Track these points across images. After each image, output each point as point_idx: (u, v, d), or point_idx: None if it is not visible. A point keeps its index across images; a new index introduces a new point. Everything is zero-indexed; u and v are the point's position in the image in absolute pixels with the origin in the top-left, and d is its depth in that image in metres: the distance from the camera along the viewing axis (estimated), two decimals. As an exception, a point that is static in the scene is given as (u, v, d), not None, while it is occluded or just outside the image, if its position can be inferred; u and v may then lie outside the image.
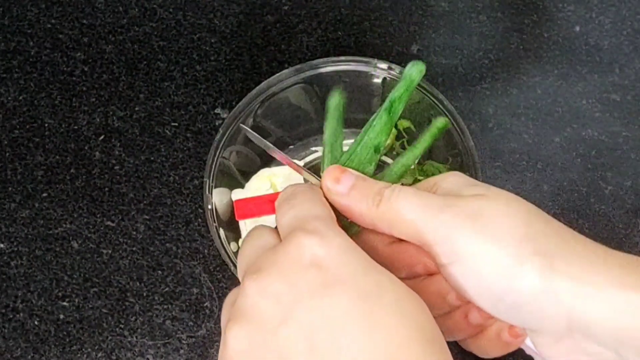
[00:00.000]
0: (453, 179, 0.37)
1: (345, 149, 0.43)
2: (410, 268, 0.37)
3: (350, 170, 0.39)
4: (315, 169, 0.51)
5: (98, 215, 0.57)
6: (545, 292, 0.32)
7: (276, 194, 0.50)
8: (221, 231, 0.50)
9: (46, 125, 0.60)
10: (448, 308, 0.37)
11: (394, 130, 0.56)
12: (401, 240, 0.37)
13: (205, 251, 0.56)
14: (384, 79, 0.53)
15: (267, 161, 0.54)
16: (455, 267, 0.34)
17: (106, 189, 0.58)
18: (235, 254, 0.50)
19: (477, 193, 0.35)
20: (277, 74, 0.52)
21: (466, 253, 0.34)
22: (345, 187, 0.37)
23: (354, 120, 0.57)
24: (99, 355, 0.53)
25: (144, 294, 0.55)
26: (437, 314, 0.36)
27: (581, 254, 0.33)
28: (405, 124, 0.54)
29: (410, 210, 0.35)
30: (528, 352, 0.38)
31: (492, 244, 0.33)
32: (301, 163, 0.56)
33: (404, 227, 0.35)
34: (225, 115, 0.60)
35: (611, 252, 0.34)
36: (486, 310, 0.35)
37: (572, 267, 0.32)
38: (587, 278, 0.32)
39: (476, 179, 0.44)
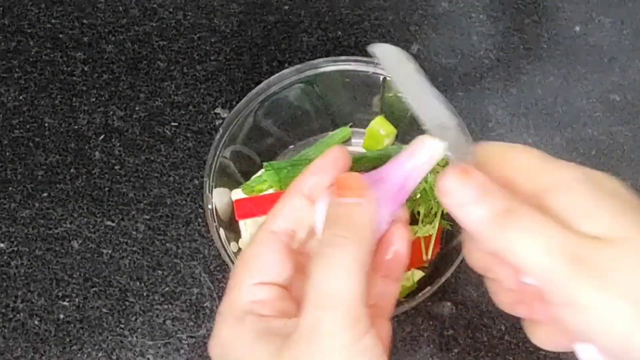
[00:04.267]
0: (571, 191, 0.33)
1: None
2: (513, 281, 0.34)
3: (475, 172, 0.33)
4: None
5: (98, 215, 0.57)
6: None
7: (277, 194, 0.51)
8: (221, 231, 0.50)
9: (46, 125, 0.60)
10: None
11: (393, 130, 0.56)
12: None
13: (205, 251, 0.56)
14: (384, 78, 0.53)
15: (267, 160, 0.54)
16: (568, 310, 0.32)
17: (106, 188, 0.58)
18: (236, 254, 0.50)
19: (599, 234, 0.31)
20: (278, 74, 0.52)
21: (584, 305, 0.31)
22: (469, 196, 0.32)
23: (354, 120, 0.57)
24: (99, 355, 0.53)
25: (144, 294, 0.55)
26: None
27: None
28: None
29: (531, 251, 0.31)
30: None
31: (613, 303, 0.30)
32: None
33: (518, 262, 0.32)
34: (225, 115, 0.60)
35: None
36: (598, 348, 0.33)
37: None
38: None
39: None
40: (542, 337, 0.36)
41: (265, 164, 0.53)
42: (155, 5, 0.63)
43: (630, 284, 0.31)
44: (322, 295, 0.31)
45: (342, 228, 0.32)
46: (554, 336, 0.35)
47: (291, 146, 0.58)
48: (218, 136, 0.51)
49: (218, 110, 0.60)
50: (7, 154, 0.59)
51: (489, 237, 0.32)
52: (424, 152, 0.35)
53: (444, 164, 0.36)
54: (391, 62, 0.39)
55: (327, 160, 0.36)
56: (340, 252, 0.31)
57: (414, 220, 0.51)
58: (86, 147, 0.59)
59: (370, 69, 0.52)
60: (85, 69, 0.61)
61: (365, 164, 0.55)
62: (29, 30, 0.63)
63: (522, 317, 0.37)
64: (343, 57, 0.52)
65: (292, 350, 0.31)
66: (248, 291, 0.34)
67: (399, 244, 0.36)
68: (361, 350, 0.30)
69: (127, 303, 0.55)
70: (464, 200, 0.32)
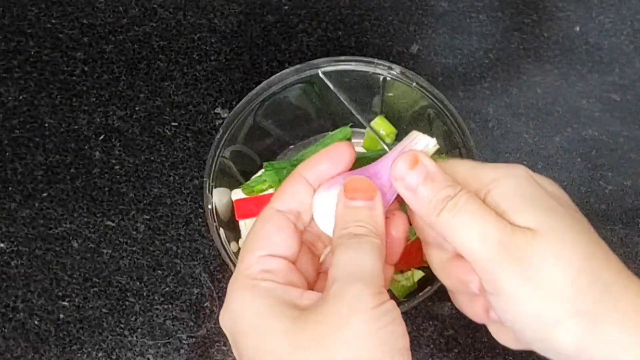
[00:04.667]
0: (509, 186, 0.35)
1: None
2: (465, 285, 0.36)
3: (425, 159, 0.36)
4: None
5: (98, 215, 0.57)
6: (579, 354, 0.32)
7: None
8: (221, 231, 0.50)
9: (46, 125, 0.60)
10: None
11: (393, 130, 0.56)
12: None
13: (206, 251, 0.56)
14: (384, 78, 0.53)
15: (267, 160, 0.54)
16: (497, 300, 0.34)
17: (106, 188, 0.58)
18: (236, 254, 0.50)
19: (531, 226, 0.33)
20: (278, 74, 0.52)
21: (510, 295, 0.33)
22: (417, 180, 0.36)
23: (353, 120, 0.57)
24: (99, 355, 0.53)
25: (144, 294, 0.55)
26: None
27: (626, 312, 0.32)
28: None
29: (466, 236, 0.34)
30: None
31: (536, 294, 0.32)
32: None
33: (456, 244, 0.34)
34: (225, 115, 0.60)
35: None
36: (519, 339, 0.35)
37: (612, 329, 0.32)
38: (626, 342, 0.32)
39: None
40: (504, 337, 0.38)
41: (265, 164, 0.53)
42: (155, 5, 0.63)
43: (549, 277, 0.32)
44: (348, 272, 0.34)
45: (359, 226, 0.35)
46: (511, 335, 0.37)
47: (291, 146, 0.58)
48: (218, 136, 0.51)
49: (218, 110, 0.60)
50: (7, 154, 0.59)
51: (433, 220, 0.35)
52: (416, 146, 0.38)
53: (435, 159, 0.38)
54: None
55: (334, 153, 0.38)
56: (362, 241, 0.35)
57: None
58: (86, 147, 0.59)
59: (370, 69, 0.52)
60: (85, 69, 0.61)
61: (365, 164, 0.55)
62: (29, 30, 0.63)
63: (482, 321, 0.38)
64: (343, 57, 0.52)
65: (316, 315, 0.33)
66: (258, 261, 0.36)
67: (397, 230, 0.38)
68: (383, 311, 0.33)
69: (127, 303, 0.55)
70: (412, 184, 0.35)
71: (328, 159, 0.38)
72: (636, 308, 0.32)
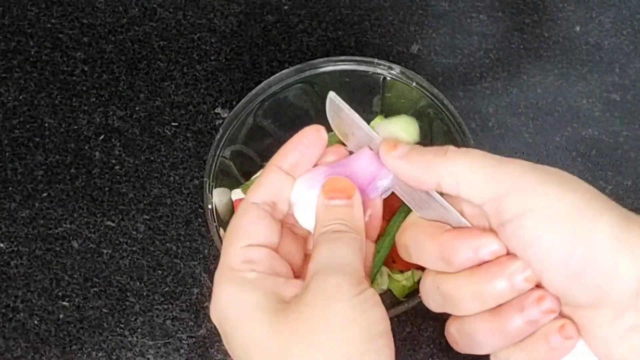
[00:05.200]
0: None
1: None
2: (477, 251, 0.35)
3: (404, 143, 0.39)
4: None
5: (98, 215, 0.57)
6: (619, 248, 0.31)
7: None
8: (221, 231, 0.50)
9: (46, 125, 0.60)
10: (513, 294, 0.35)
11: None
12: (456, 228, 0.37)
13: (205, 251, 0.56)
14: (384, 78, 0.53)
15: (267, 160, 0.54)
16: (518, 223, 0.33)
17: (106, 188, 0.58)
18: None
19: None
20: (278, 74, 0.52)
21: (532, 204, 0.32)
22: (402, 150, 0.37)
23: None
24: (99, 355, 0.53)
25: (144, 294, 0.55)
26: (492, 306, 0.35)
27: None
28: None
29: (478, 159, 0.35)
30: None
31: (562, 195, 0.32)
32: None
33: (472, 175, 0.34)
34: (225, 115, 0.60)
35: None
36: (547, 277, 0.33)
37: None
38: None
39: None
40: (525, 351, 0.36)
41: (265, 164, 0.52)
42: (155, 5, 0.63)
43: (571, 180, 0.33)
44: (328, 264, 0.34)
45: (339, 224, 0.36)
46: (537, 344, 0.36)
47: (291, 146, 0.58)
48: (218, 136, 0.51)
49: (218, 110, 0.60)
50: (7, 154, 0.59)
51: (440, 163, 0.35)
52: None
53: None
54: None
55: (303, 139, 0.40)
56: (342, 237, 0.36)
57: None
58: (86, 147, 0.59)
59: (370, 69, 0.52)
60: (85, 69, 0.61)
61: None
62: (28, 30, 0.63)
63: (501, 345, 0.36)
64: (343, 57, 0.52)
65: (298, 307, 0.33)
66: (239, 252, 0.36)
67: (374, 208, 0.40)
68: (363, 299, 0.33)
69: (127, 303, 0.55)
70: (403, 151, 0.38)
71: (297, 145, 0.40)
72: None
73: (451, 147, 0.36)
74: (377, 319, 0.33)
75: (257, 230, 0.37)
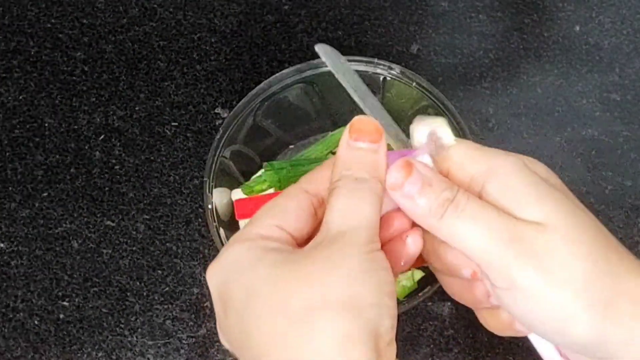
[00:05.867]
0: (506, 179, 0.35)
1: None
2: (457, 270, 0.36)
3: (419, 165, 0.36)
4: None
5: (98, 215, 0.57)
6: (596, 342, 0.32)
7: (276, 194, 0.51)
8: (221, 231, 0.50)
9: (46, 125, 0.60)
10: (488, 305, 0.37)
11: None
12: None
13: (205, 251, 0.56)
14: (384, 78, 0.53)
15: (267, 160, 0.54)
16: (509, 294, 0.34)
17: (106, 188, 0.58)
18: None
19: (538, 219, 0.33)
20: (278, 74, 0.52)
21: (524, 289, 0.33)
22: (414, 189, 0.35)
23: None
24: (99, 355, 0.53)
25: (144, 294, 0.55)
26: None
27: (638, 299, 0.33)
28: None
29: (473, 237, 0.33)
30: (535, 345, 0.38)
31: (551, 287, 0.32)
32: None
33: (462, 246, 0.34)
34: (225, 115, 0.60)
35: None
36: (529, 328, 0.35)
37: (626, 317, 0.32)
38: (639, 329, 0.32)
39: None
40: (493, 323, 0.38)
41: (265, 163, 0.52)
42: (155, 5, 0.63)
43: (564, 268, 0.32)
44: (345, 217, 0.33)
45: (362, 169, 0.35)
46: (502, 323, 0.37)
47: (291, 146, 0.58)
48: (218, 136, 0.51)
49: (218, 110, 0.60)
50: (7, 154, 0.59)
51: (435, 226, 0.34)
52: (441, 141, 0.38)
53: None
54: (333, 60, 0.43)
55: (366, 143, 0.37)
56: (363, 187, 0.34)
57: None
58: (86, 147, 0.59)
59: (370, 69, 0.52)
60: (85, 69, 0.61)
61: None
62: (28, 30, 0.63)
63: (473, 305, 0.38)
64: (343, 57, 0.52)
65: (310, 253, 0.32)
66: (264, 226, 0.35)
67: (414, 245, 0.37)
68: (372, 259, 0.32)
69: (127, 303, 0.55)
70: (410, 192, 0.35)
71: (359, 145, 0.37)
72: None
73: (451, 208, 0.34)
74: (387, 280, 0.33)
75: (294, 217, 0.35)
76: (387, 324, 0.32)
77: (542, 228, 0.33)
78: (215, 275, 0.34)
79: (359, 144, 0.35)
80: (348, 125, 0.36)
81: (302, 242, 0.36)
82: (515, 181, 0.34)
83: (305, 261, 0.32)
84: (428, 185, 0.35)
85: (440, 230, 0.34)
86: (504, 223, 0.33)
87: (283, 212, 0.35)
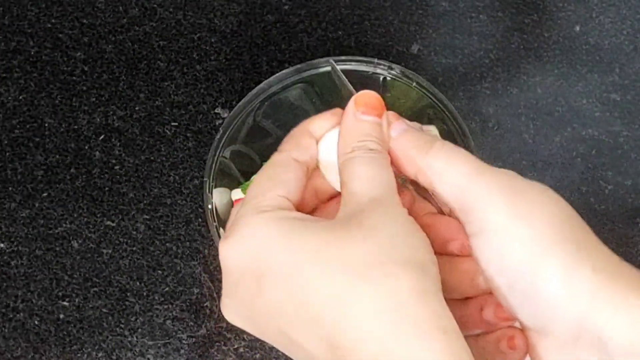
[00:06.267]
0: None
1: None
2: (445, 244, 0.36)
3: (403, 119, 0.37)
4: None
5: (98, 215, 0.57)
6: (563, 289, 0.32)
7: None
8: (221, 231, 0.50)
9: (46, 125, 0.60)
10: (473, 292, 0.36)
11: None
12: (440, 213, 0.37)
13: (206, 251, 0.56)
14: (384, 78, 0.53)
15: (267, 160, 0.54)
16: (481, 238, 0.33)
17: (106, 188, 0.58)
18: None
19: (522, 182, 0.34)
20: (278, 74, 0.52)
21: (494, 225, 0.33)
22: (397, 131, 0.36)
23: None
24: (99, 355, 0.53)
25: (144, 294, 0.55)
26: (456, 297, 0.36)
27: (610, 260, 0.32)
28: None
29: (457, 165, 0.34)
30: None
31: (522, 223, 0.32)
32: None
33: (447, 179, 0.34)
34: (225, 115, 0.60)
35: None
36: (501, 293, 0.34)
37: (598, 272, 0.32)
38: (610, 287, 0.31)
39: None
40: (480, 347, 0.37)
41: (265, 164, 0.52)
42: (155, 5, 0.63)
43: (536, 207, 0.32)
44: (373, 184, 0.33)
45: (373, 141, 0.35)
46: (489, 345, 0.37)
47: (291, 146, 0.58)
48: (218, 136, 0.51)
49: (218, 110, 0.60)
50: (7, 154, 0.59)
51: (422, 158, 0.35)
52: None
53: None
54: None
55: (336, 115, 0.39)
56: (379, 156, 0.35)
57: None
58: (86, 147, 0.59)
59: (370, 69, 0.52)
60: (85, 69, 0.61)
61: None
62: (28, 30, 0.63)
63: (464, 332, 0.38)
64: (343, 57, 0.52)
65: (353, 218, 0.32)
66: (275, 199, 0.34)
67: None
68: (412, 220, 0.33)
69: (127, 303, 0.55)
70: (402, 127, 0.36)
71: (333, 118, 0.39)
72: (618, 262, 0.33)
73: (437, 143, 0.35)
74: (425, 239, 0.33)
75: (296, 188, 0.35)
76: (440, 279, 0.32)
77: (519, 178, 0.34)
78: (240, 252, 0.33)
79: (366, 117, 0.36)
80: (353, 98, 0.36)
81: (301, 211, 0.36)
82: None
83: (350, 227, 0.31)
84: (412, 129, 0.37)
85: (428, 165, 0.35)
86: (485, 163, 0.34)
87: (286, 184, 0.35)
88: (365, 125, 0.36)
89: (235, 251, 0.33)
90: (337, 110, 0.39)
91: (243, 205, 0.35)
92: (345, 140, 0.35)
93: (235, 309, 0.34)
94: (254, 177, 0.37)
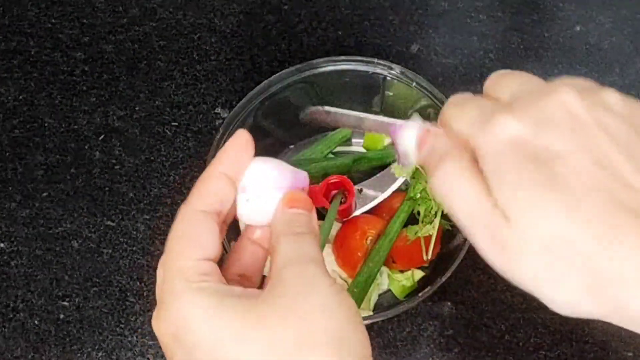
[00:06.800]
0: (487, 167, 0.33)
1: None
2: None
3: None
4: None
5: (98, 215, 0.57)
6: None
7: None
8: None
9: (46, 125, 0.60)
10: None
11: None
12: None
13: (206, 251, 0.56)
14: (384, 78, 0.53)
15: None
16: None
17: (106, 188, 0.58)
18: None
19: (508, 208, 0.33)
20: (278, 74, 0.52)
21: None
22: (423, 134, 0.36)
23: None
24: (99, 354, 0.53)
25: (144, 294, 0.55)
26: None
27: None
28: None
29: (455, 202, 0.33)
30: None
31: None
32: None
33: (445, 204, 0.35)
34: (225, 115, 0.60)
35: None
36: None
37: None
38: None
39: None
40: None
41: None
42: (155, 5, 0.63)
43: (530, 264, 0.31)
44: (299, 256, 0.34)
45: (299, 226, 0.36)
46: None
47: (291, 146, 0.58)
48: (218, 136, 0.51)
49: (218, 110, 0.60)
50: (7, 154, 0.59)
51: (427, 172, 0.35)
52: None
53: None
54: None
55: (236, 141, 0.39)
56: (304, 235, 0.36)
57: (414, 220, 0.51)
58: (86, 147, 0.59)
59: (370, 68, 0.52)
60: (85, 69, 0.61)
61: (365, 164, 0.55)
62: (28, 30, 0.63)
63: None
64: (343, 57, 0.52)
65: (277, 294, 0.32)
66: (194, 265, 0.34)
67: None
68: (339, 288, 0.33)
69: (127, 303, 0.55)
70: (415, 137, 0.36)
71: (235, 148, 0.38)
72: None
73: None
74: (355, 310, 0.33)
75: (210, 244, 0.35)
76: (366, 354, 0.32)
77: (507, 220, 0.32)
78: (168, 326, 0.34)
79: (294, 210, 0.37)
80: (281, 199, 0.37)
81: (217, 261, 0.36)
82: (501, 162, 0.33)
83: (274, 301, 0.32)
84: (432, 135, 0.36)
85: (429, 179, 0.35)
86: (478, 203, 0.32)
87: (198, 242, 0.35)
88: (292, 216, 0.37)
89: (166, 326, 0.34)
90: (241, 131, 0.39)
91: (167, 271, 0.35)
92: (275, 230, 0.37)
93: None
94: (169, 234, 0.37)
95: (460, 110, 0.35)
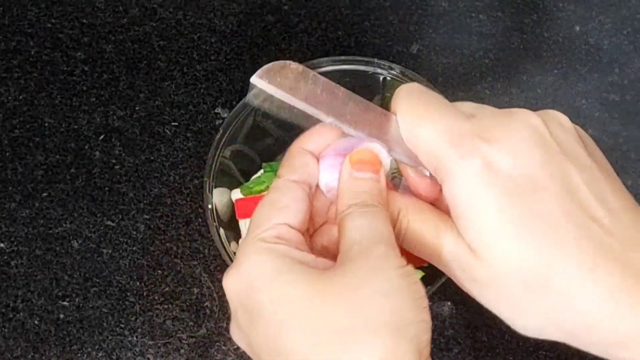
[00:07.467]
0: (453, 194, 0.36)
1: None
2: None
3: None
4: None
5: (98, 215, 0.57)
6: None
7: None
8: (221, 231, 0.50)
9: (46, 124, 0.60)
10: None
11: None
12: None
13: (206, 251, 0.56)
14: (384, 78, 0.53)
15: (267, 160, 0.54)
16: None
17: (106, 188, 0.58)
18: (235, 254, 0.50)
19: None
20: (277, 74, 0.52)
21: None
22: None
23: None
24: (99, 355, 0.53)
25: (144, 294, 0.55)
26: None
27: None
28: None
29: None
30: None
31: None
32: None
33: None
34: (225, 115, 0.60)
35: None
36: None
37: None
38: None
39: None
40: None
41: (264, 164, 0.52)
42: (155, 5, 0.63)
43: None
44: (368, 235, 0.33)
45: (368, 198, 0.35)
46: None
47: (291, 146, 0.58)
48: (218, 136, 0.51)
49: (218, 110, 0.60)
50: (7, 154, 0.59)
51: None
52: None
53: None
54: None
55: (327, 127, 0.39)
56: (376, 210, 0.35)
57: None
58: (86, 147, 0.59)
59: (370, 68, 0.52)
60: (85, 69, 0.61)
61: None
62: (28, 30, 0.63)
63: None
64: (343, 57, 0.52)
65: (343, 272, 0.32)
66: (274, 228, 0.35)
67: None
68: (403, 274, 0.32)
69: (127, 303, 0.55)
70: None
71: (326, 132, 0.39)
72: None
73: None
74: (422, 294, 0.33)
75: (297, 212, 0.36)
76: (426, 339, 0.32)
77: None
78: (236, 284, 0.34)
79: (362, 174, 0.36)
80: (348, 158, 0.37)
81: (307, 234, 0.36)
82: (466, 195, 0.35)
83: (336, 279, 0.32)
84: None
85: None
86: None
87: (285, 209, 0.35)
88: (360, 182, 0.36)
89: (233, 283, 0.34)
90: (322, 126, 0.39)
91: (247, 233, 0.35)
92: (342, 199, 0.36)
93: (238, 334, 0.35)
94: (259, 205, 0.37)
95: (425, 110, 0.37)
